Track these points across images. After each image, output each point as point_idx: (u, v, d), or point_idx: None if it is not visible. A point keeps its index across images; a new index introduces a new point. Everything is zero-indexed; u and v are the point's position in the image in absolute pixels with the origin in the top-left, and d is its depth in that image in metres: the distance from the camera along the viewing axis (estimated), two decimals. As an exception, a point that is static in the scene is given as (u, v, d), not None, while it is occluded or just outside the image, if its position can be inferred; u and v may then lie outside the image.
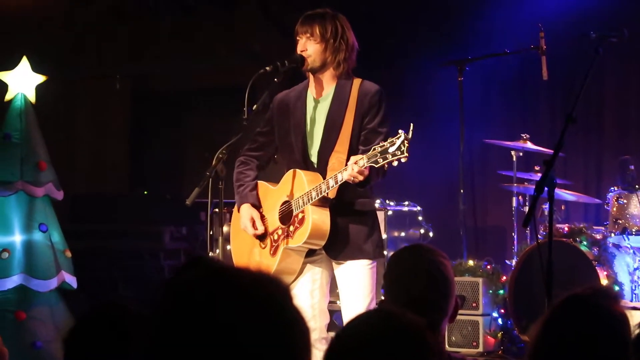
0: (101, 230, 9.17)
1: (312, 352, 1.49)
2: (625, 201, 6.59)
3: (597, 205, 7.40)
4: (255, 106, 4.39)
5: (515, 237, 7.01)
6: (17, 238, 6.09)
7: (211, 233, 4.76)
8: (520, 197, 7.03)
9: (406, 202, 7.33)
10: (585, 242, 6.54)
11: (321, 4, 4.56)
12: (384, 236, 6.74)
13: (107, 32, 10.26)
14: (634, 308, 6.11)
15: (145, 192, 10.18)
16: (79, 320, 2.32)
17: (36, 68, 6.32)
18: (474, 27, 8.37)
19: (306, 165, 4.44)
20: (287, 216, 4.44)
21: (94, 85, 10.56)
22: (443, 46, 8.40)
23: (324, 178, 4.31)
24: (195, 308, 1.42)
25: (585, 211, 7.87)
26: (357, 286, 4.35)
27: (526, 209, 6.80)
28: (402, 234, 7.18)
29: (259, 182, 4.62)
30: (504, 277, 6.80)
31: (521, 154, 7.01)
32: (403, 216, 7.23)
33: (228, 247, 5.12)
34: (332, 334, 6.26)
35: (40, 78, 6.30)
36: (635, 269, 6.45)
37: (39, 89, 6.29)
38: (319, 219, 4.30)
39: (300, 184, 4.38)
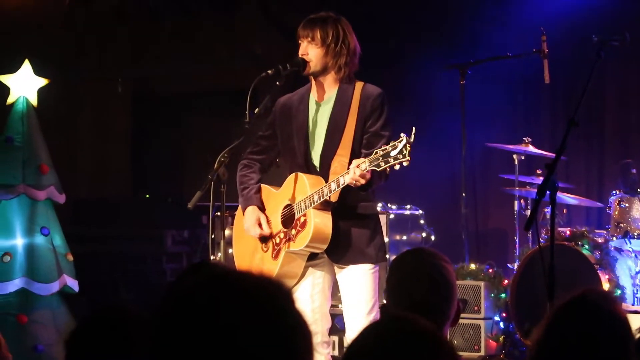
0: (103, 234, 9.16)
1: (314, 355, 1.49)
2: (627, 205, 6.59)
3: (599, 209, 7.39)
4: (257, 109, 4.39)
5: (517, 240, 7.00)
6: (19, 241, 6.09)
7: (213, 236, 4.76)
8: (522, 201, 7.02)
9: (408, 206, 7.32)
10: (587, 246, 6.54)
11: (322, 4, 4.56)
12: (386, 240, 6.73)
13: (107, 33, 10.25)
14: (636, 312, 6.10)
15: (147, 196, 10.17)
16: (80, 324, 2.32)
17: (38, 71, 6.32)
18: (476, 30, 8.36)
19: (308, 168, 4.43)
20: (289, 220, 4.43)
21: (95, 88, 10.55)
22: (445, 48, 8.39)
23: (326, 181, 4.30)
24: (197, 311, 1.42)
25: (587, 215, 7.85)
26: (359, 290, 4.34)
27: (528, 212, 6.79)
28: (404, 237, 7.16)
29: (261, 185, 4.62)
30: (506, 281, 6.79)
31: (523, 157, 6.99)
32: (405, 220, 7.22)
33: (230, 250, 5.12)
34: (333, 337, 6.26)
35: (43, 81, 6.30)
36: (637, 273, 6.44)
37: (41, 92, 6.29)
38: (321, 223, 4.30)
39: (302, 188, 4.37)
